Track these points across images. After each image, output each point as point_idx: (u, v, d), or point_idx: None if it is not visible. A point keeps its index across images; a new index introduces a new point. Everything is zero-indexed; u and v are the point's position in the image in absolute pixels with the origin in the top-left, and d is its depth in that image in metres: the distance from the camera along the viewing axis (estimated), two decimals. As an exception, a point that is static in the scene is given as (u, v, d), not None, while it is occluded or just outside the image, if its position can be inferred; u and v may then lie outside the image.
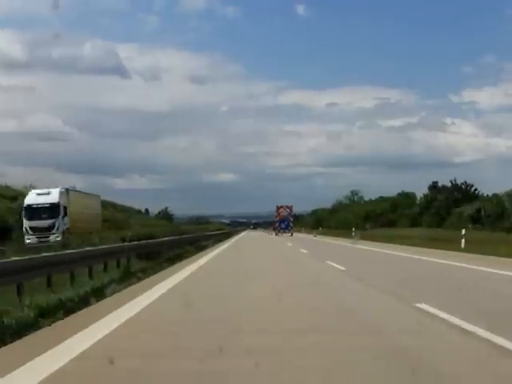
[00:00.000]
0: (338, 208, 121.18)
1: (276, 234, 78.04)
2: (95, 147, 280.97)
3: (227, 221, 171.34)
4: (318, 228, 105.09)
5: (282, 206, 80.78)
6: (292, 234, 75.22)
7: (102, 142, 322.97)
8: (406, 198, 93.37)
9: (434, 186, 71.21)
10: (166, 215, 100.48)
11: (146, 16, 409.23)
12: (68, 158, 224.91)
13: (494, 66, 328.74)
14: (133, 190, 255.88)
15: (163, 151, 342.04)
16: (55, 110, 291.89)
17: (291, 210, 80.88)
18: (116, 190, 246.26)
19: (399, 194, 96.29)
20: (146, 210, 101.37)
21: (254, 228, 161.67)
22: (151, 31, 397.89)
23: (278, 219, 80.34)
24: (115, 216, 65.20)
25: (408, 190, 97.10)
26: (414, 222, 72.36)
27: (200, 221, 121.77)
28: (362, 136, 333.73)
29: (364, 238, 51.93)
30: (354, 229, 61.32)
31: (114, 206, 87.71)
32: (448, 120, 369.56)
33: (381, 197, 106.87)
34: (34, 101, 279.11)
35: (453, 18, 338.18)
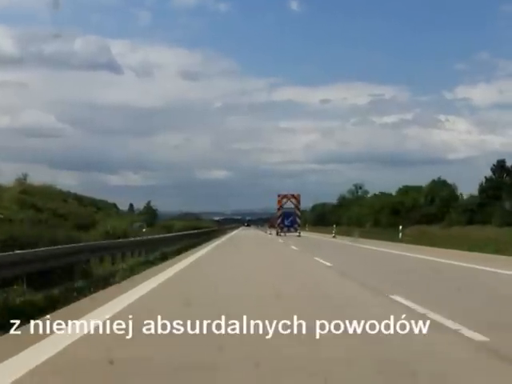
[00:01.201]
0: (343, 203, 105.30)
1: (278, 234, 57.17)
2: (88, 143, 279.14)
3: (220, 218, 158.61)
4: (323, 225, 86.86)
5: (285, 196, 59.52)
6: (300, 234, 54.40)
7: (95, 138, 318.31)
8: (443, 186, 73.20)
9: (501, 166, 50.43)
10: (149, 210, 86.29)
11: (138, 12, 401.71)
12: (61, 155, 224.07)
13: (488, 63, 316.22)
14: (126, 186, 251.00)
15: (157, 148, 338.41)
16: (48, 106, 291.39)
17: (298, 202, 59.47)
18: (110, 187, 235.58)
19: (434, 182, 76.00)
20: (131, 205, 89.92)
21: (248, 225, 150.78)
22: (143, 27, 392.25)
23: (279, 213, 59.23)
24: (78, 210, 53.39)
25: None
26: (470, 218, 51.82)
27: (188, 217, 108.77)
28: (357, 133, 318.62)
29: (424, 241, 31.51)
30: (401, 227, 41.08)
31: (78, 198, 73.13)
32: (442, 117, 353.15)
33: (405, 186, 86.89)
34: (26, 97, 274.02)
35: (446, 15, 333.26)
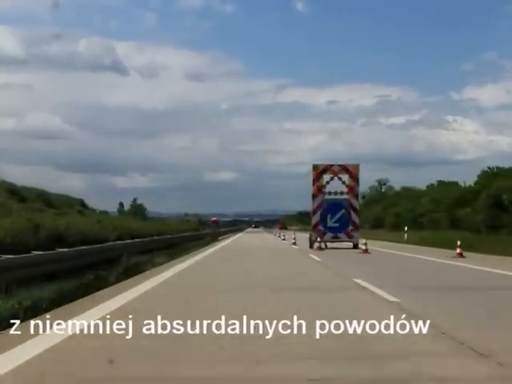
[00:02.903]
0: (375, 199, 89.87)
1: (311, 245, 28.34)
2: (95, 145, 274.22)
3: (218, 218, 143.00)
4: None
5: (329, 168, 29.64)
6: (367, 249, 25.72)
7: (101, 140, 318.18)
8: None
9: None
10: (136, 209, 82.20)
11: (144, 13, 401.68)
12: (67, 157, 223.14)
13: (495, 64, 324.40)
14: (133, 188, 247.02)
15: (163, 149, 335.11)
16: (54, 108, 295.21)
17: (356, 181, 29.90)
18: (117, 189, 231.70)
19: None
20: (121, 204, 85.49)
21: (255, 226, 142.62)
22: (149, 29, 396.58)
23: (317, 204, 29.66)
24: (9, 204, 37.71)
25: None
26: None
27: (189, 218, 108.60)
28: (364, 134, 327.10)
29: None
30: None
31: (16, 191, 50.40)
32: (450, 117, 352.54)
33: (490, 167, 62.95)
34: (32, 99, 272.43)
35: (452, 15, 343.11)
